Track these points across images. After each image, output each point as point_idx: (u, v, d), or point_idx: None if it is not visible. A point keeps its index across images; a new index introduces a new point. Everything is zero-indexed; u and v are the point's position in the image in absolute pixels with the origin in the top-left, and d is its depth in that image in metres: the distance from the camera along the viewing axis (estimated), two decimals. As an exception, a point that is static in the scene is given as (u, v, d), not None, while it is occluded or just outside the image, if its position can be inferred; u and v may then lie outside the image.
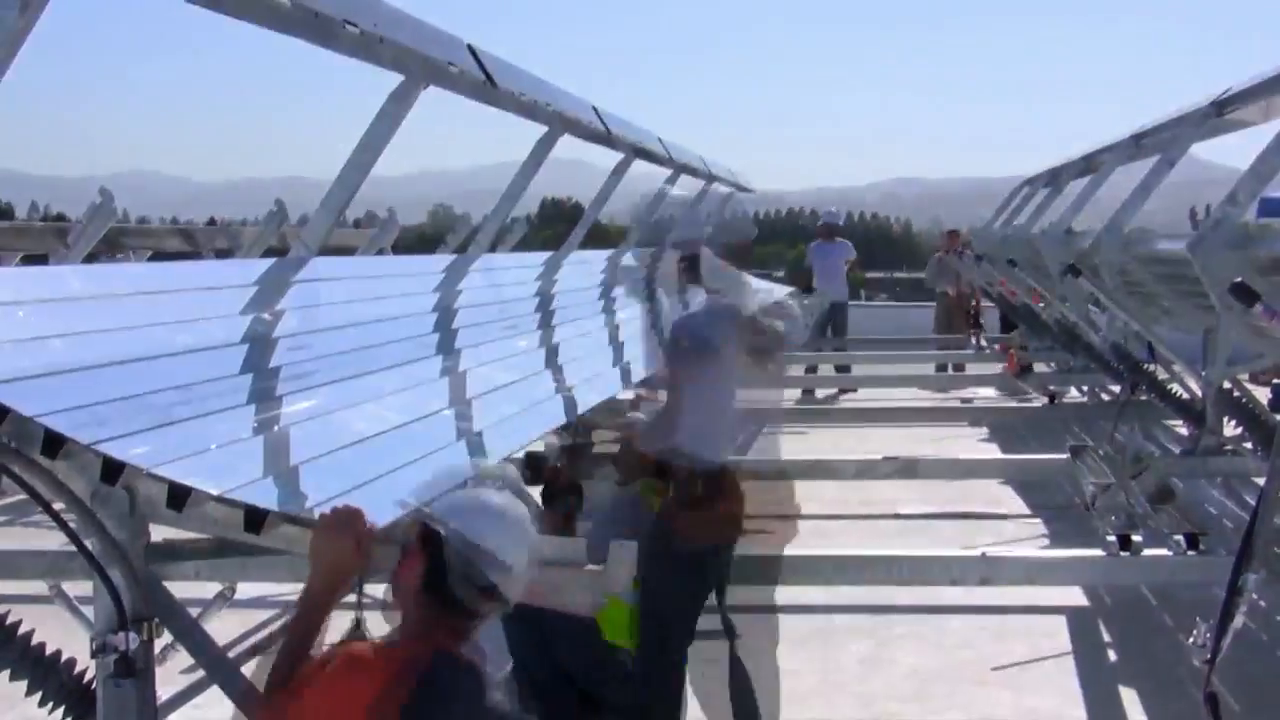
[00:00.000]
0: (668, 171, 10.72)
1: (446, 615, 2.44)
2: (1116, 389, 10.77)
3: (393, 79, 4.65)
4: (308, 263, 4.57)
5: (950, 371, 14.53)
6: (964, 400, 12.77)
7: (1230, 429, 7.63)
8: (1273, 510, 3.69)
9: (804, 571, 5.31)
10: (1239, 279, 4.70)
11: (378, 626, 2.65)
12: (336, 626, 2.60)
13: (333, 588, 2.54)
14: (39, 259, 9.96)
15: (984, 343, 14.94)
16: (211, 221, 26.52)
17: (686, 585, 4.27)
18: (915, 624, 6.09)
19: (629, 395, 5.27)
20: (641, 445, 4.51)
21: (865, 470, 7.50)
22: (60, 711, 2.91)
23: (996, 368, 13.28)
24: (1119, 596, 6.45)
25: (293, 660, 2.49)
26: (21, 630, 2.85)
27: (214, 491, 2.54)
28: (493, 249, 7.76)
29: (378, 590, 2.64)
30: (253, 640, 5.35)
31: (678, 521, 4.26)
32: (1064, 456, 7.33)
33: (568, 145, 7.33)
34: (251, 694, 2.80)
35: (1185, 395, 8.27)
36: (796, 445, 10.48)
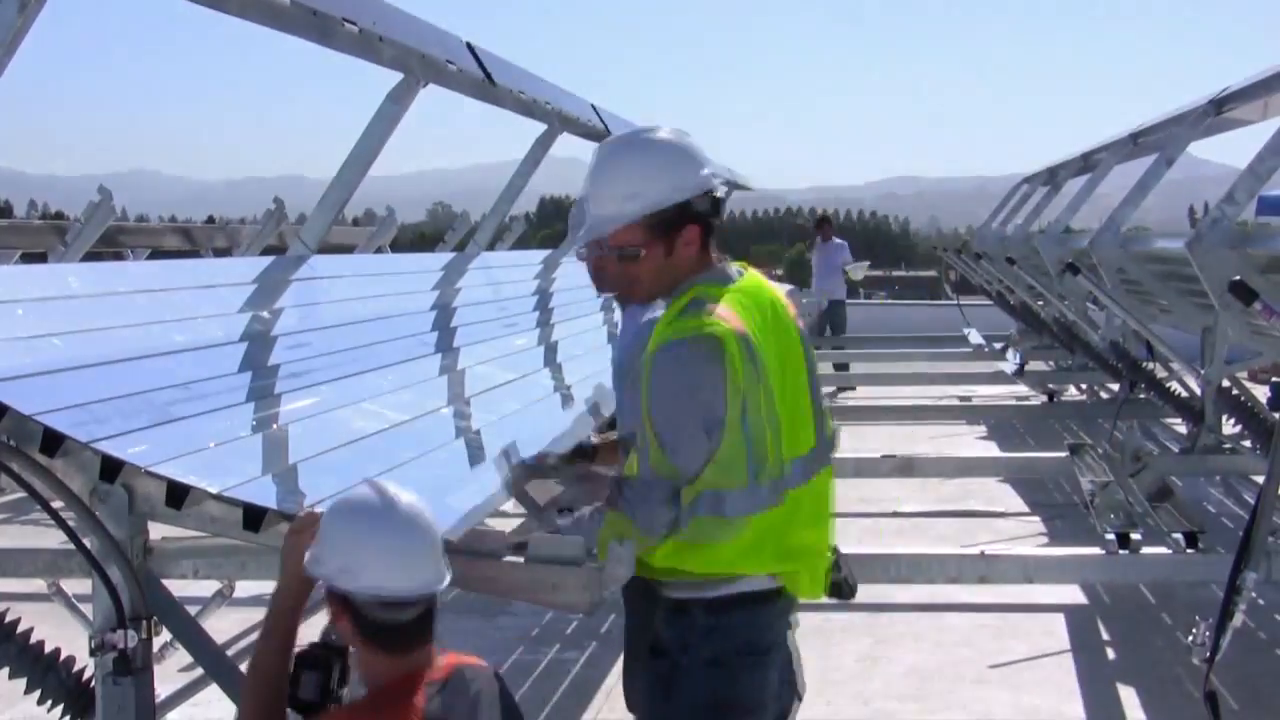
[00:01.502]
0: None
1: (403, 650, 2.30)
2: (1115, 387, 10.78)
3: (392, 77, 4.65)
4: (306, 261, 4.57)
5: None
6: (962, 398, 12.77)
7: (1229, 427, 7.64)
8: (1272, 508, 3.69)
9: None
10: (1237, 277, 4.71)
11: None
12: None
13: (300, 591, 2.49)
14: (38, 257, 9.97)
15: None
16: (210, 220, 26.53)
17: None
18: (914, 622, 6.09)
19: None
20: None
21: (864, 468, 7.50)
22: (59, 709, 2.91)
23: (995, 366, 13.29)
24: (1118, 595, 6.45)
25: (268, 669, 2.44)
26: (20, 628, 2.85)
27: (213, 490, 2.54)
28: (491, 247, 7.76)
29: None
30: (251, 639, 5.35)
31: None
32: (1063, 455, 7.34)
33: (566, 143, 7.34)
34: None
35: (1184, 393, 8.28)
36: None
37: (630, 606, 2.80)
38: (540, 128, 6.83)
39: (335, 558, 2.27)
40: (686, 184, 2.60)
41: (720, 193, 2.66)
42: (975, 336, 14.81)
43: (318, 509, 2.50)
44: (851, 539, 7.33)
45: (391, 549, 2.25)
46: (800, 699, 2.83)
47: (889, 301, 27.97)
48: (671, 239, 2.61)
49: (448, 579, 2.34)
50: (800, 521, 2.66)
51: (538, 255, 8.50)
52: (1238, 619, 3.51)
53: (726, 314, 2.54)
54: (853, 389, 13.85)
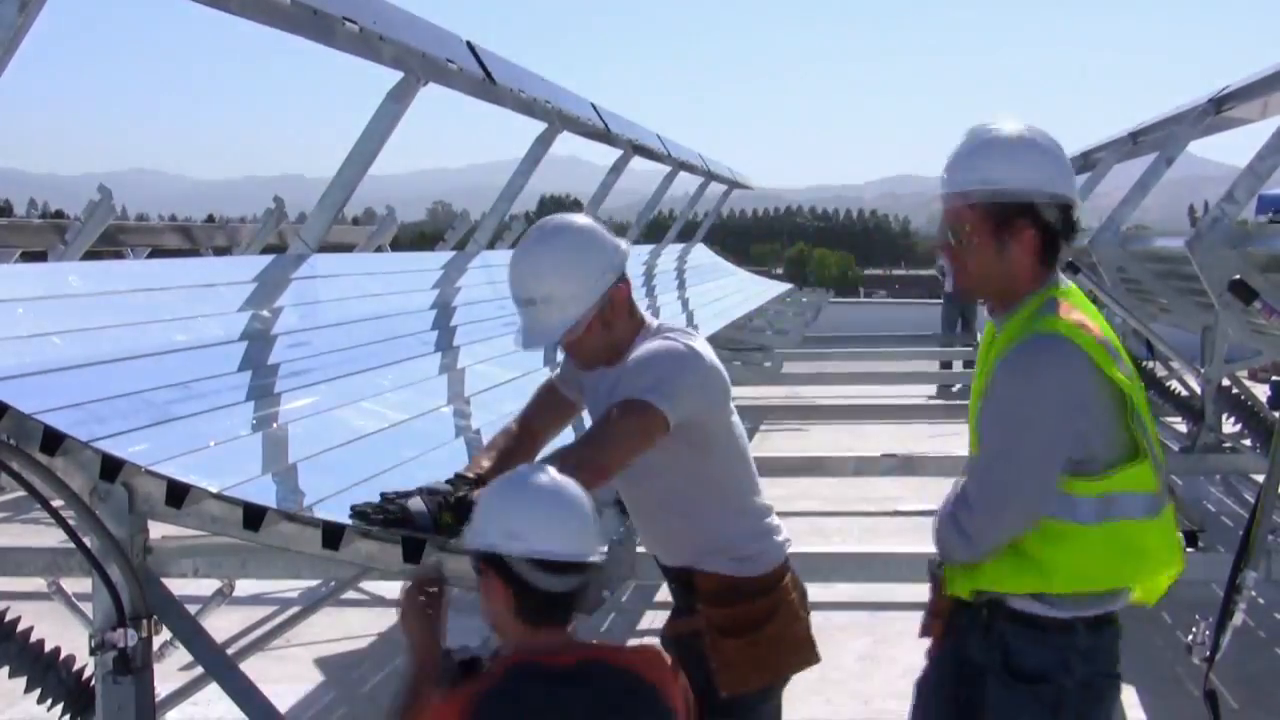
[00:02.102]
0: (666, 169, 10.73)
1: (546, 624, 2.28)
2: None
3: (392, 76, 4.65)
4: (306, 260, 4.58)
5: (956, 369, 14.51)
6: (964, 397, 12.79)
7: (1229, 426, 7.64)
8: (1272, 507, 3.69)
9: (801, 569, 5.30)
10: (1237, 276, 4.70)
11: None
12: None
13: (435, 653, 2.40)
14: (38, 256, 9.97)
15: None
16: (210, 219, 26.54)
17: None
18: (913, 621, 6.07)
19: None
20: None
21: (864, 467, 7.49)
22: (59, 708, 2.91)
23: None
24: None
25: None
26: (20, 627, 2.85)
27: (213, 489, 2.54)
28: (491, 246, 7.76)
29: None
30: (251, 637, 5.35)
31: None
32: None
33: (566, 142, 7.35)
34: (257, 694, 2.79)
35: (1184, 392, 8.28)
36: (795, 442, 10.49)
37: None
38: (540, 126, 6.83)
39: (497, 524, 2.23)
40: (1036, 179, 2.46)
41: (1075, 212, 2.51)
42: (976, 335, 14.81)
43: (430, 565, 2.49)
44: (852, 539, 7.34)
45: (553, 514, 2.24)
46: None
47: (889, 300, 27.98)
48: (1004, 235, 2.47)
49: (604, 551, 2.30)
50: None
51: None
52: (1238, 618, 3.51)
53: (1081, 318, 2.44)
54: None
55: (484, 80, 5.35)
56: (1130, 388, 2.41)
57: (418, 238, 30.60)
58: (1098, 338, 2.42)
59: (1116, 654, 2.55)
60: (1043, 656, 2.51)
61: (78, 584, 4.37)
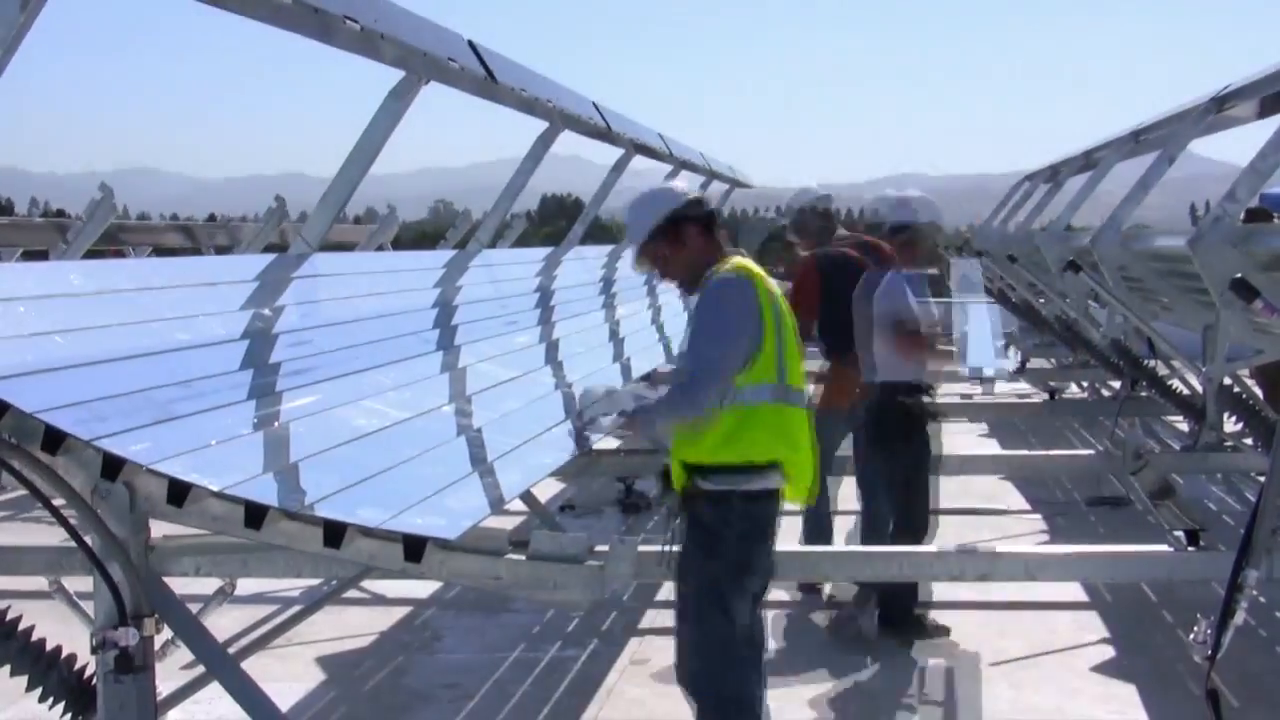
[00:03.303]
0: (667, 167, 10.73)
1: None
2: (1117, 385, 10.77)
3: (393, 75, 4.65)
4: (308, 259, 4.57)
5: None
6: (963, 396, 12.79)
7: (1231, 425, 7.63)
8: (1273, 506, 3.69)
9: (798, 568, 5.31)
10: (1239, 275, 4.71)
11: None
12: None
13: None
14: (39, 255, 9.98)
15: None
16: (212, 218, 26.54)
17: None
18: (915, 620, 6.08)
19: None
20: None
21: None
22: (61, 707, 2.91)
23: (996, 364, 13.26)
24: (1119, 593, 6.45)
25: None
26: (22, 626, 2.85)
27: (214, 487, 2.54)
28: (493, 245, 7.76)
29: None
30: (252, 636, 5.36)
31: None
32: (1063, 453, 7.32)
33: (568, 141, 7.34)
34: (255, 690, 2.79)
35: (1185, 391, 8.27)
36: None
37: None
38: (542, 125, 6.83)
39: None
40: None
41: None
42: None
43: None
44: (853, 538, 7.34)
45: None
46: None
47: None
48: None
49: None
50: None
51: (539, 253, 8.50)
52: (1239, 617, 3.51)
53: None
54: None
55: (485, 79, 5.35)
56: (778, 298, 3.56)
57: (419, 236, 30.59)
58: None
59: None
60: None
61: (79, 583, 4.38)
